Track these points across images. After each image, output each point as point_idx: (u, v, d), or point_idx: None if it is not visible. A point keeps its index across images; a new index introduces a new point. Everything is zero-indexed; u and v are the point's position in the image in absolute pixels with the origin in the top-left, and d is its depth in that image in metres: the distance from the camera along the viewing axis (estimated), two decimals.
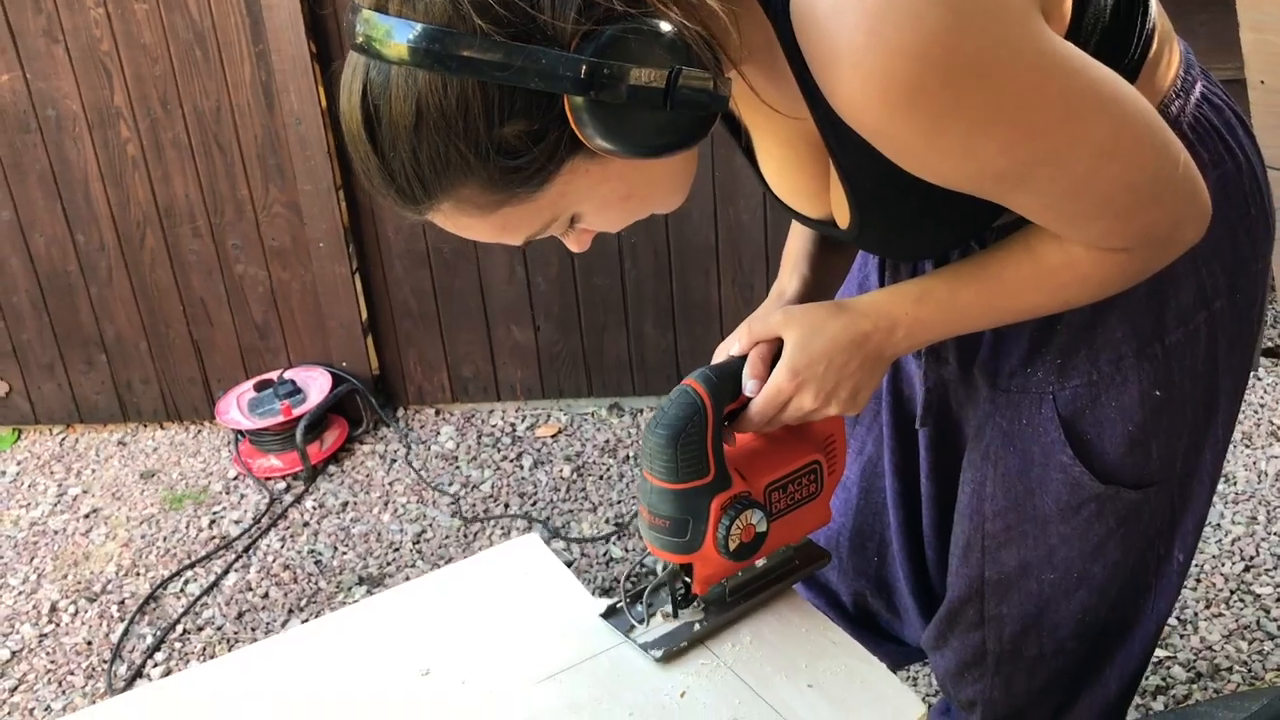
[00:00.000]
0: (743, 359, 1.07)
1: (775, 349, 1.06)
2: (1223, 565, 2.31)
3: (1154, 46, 0.99)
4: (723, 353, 1.10)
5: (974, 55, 0.78)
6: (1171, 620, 2.19)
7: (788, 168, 1.06)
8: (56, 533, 2.79)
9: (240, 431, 2.96)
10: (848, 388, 1.04)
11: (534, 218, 0.88)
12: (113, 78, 2.77)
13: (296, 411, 2.88)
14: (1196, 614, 2.21)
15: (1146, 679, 2.07)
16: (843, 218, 1.01)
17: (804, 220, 1.11)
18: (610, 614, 1.18)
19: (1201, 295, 1.07)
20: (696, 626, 1.14)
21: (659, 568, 1.14)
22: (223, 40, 2.71)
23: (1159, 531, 1.21)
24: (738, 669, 1.10)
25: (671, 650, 1.12)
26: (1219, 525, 2.42)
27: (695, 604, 1.15)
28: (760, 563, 1.17)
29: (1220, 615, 2.20)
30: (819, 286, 1.22)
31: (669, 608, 1.15)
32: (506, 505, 2.74)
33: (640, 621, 1.15)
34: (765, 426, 1.08)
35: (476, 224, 0.87)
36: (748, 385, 1.06)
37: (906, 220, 0.99)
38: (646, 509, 1.07)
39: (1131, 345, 1.09)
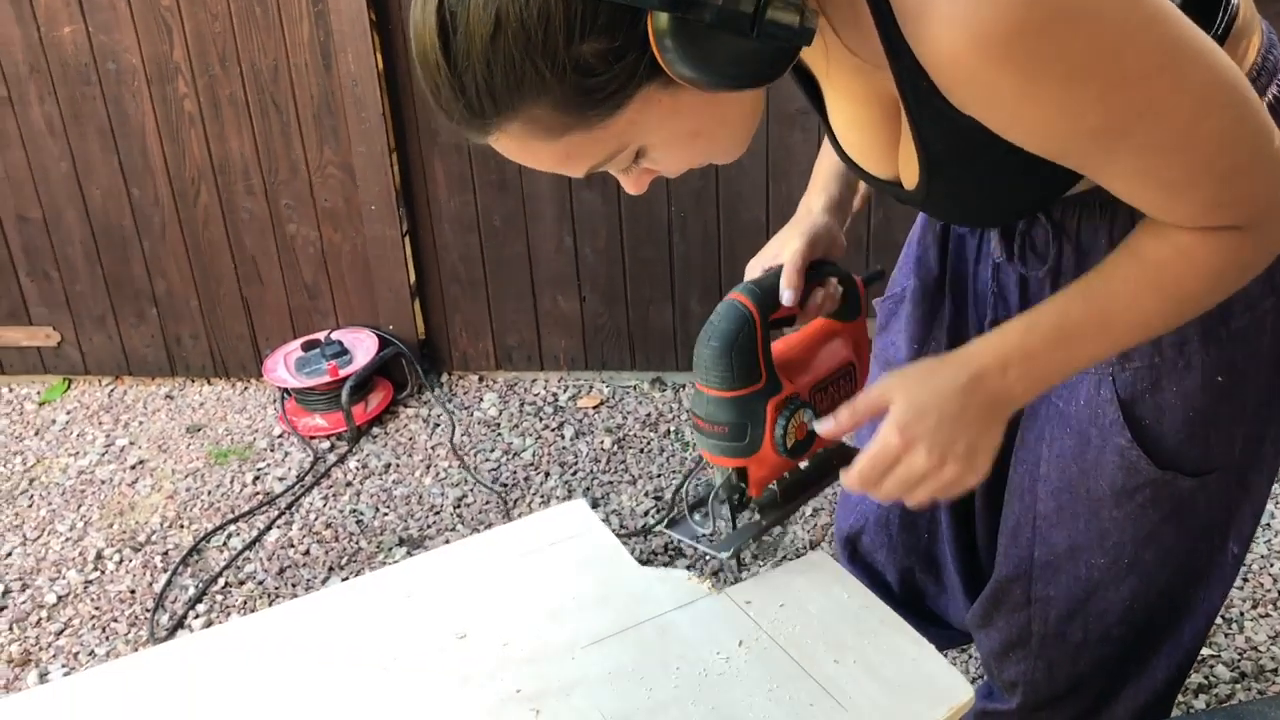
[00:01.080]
0: (778, 272, 1.10)
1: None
2: (1271, 565, 2.28)
3: (1237, 24, 0.97)
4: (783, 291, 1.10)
5: (1069, 1, 0.76)
6: (1216, 619, 2.16)
7: (857, 124, 1.04)
8: (104, 482, 2.83)
9: (286, 390, 2.98)
10: (963, 442, 0.96)
11: (600, 147, 0.86)
12: (173, 33, 2.78)
13: (343, 372, 2.90)
14: (1243, 613, 2.17)
15: (1189, 677, 2.04)
16: (910, 179, 0.99)
17: (869, 179, 1.09)
18: (672, 524, 1.20)
19: (1271, 281, 1.04)
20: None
21: (714, 477, 1.16)
22: None
23: (1214, 521, 1.18)
24: (784, 643, 1.09)
25: (739, 548, 1.14)
26: (1269, 525, 2.38)
27: (750, 509, 1.18)
28: (804, 464, 1.19)
29: (1267, 616, 2.16)
30: (846, 205, 1.22)
31: (722, 521, 1.17)
32: (547, 474, 2.74)
33: (703, 530, 1.17)
34: (869, 489, 1.02)
35: (542, 149, 0.85)
36: (785, 295, 1.08)
37: (977, 183, 0.96)
38: (704, 419, 1.09)
39: (1196, 328, 1.06)
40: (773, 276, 1.11)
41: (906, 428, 0.96)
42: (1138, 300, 0.93)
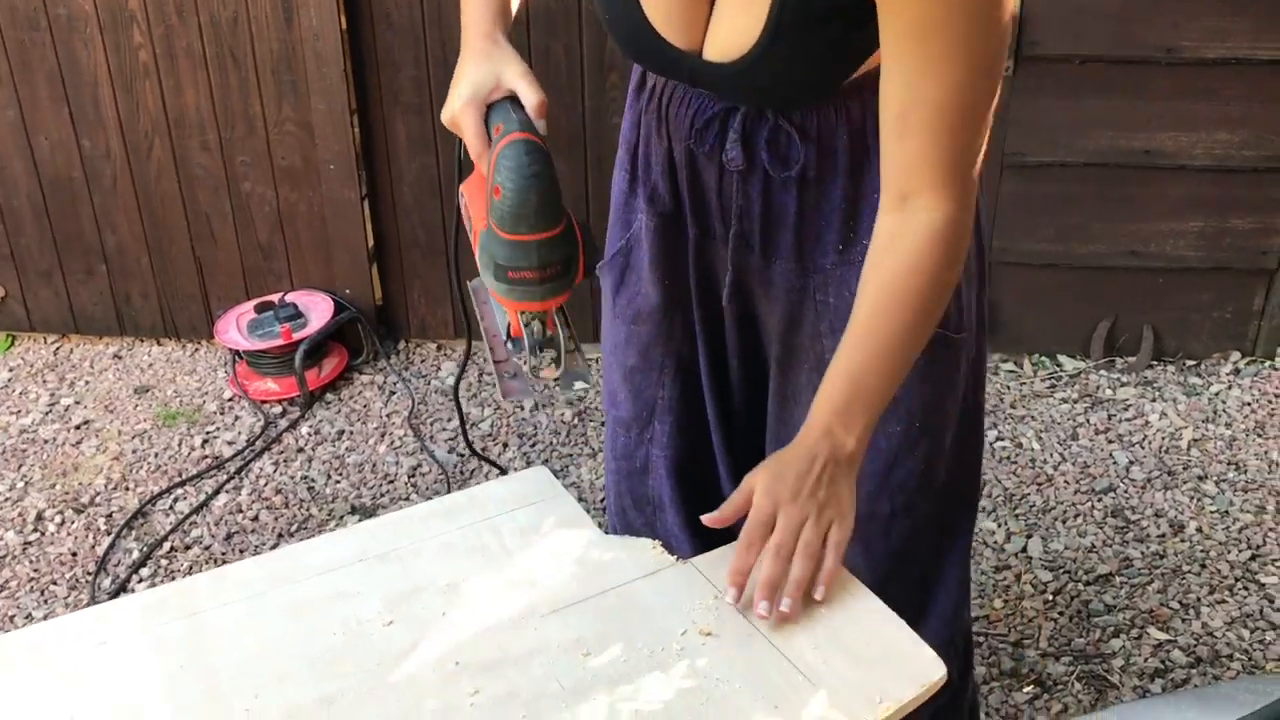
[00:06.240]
0: (515, 102, 1.11)
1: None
2: (1229, 552, 2.28)
3: None
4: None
5: None
6: (1173, 604, 2.16)
7: None
8: (46, 442, 2.75)
9: (238, 352, 2.91)
10: (823, 490, 1.07)
11: None
12: None
13: (296, 336, 2.83)
14: (1199, 599, 2.17)
15: (1145, 661, 2.04)
16: (731, 48, 1.06)
17: (662, 56, 1.12)
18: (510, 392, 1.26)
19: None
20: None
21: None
22: None
23: (976, 378, 1.32)
24: (752, 616, 1.06)
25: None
26: (1227, 512, 2.39)
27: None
28: None
29: (1224, 602, 2.17)
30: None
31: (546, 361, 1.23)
32: (505, 445, 2.70)
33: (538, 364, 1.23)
34: (754, 551, 1.07)
35: None
36: (540, 126, 1.10)
37: (808, 56, 1.05)
38: (536, 268, 1.09)
39: None
40: (525, 112, 1.10)
41: (770, 491, 1.06)
42: (898, 318, 1.07)
